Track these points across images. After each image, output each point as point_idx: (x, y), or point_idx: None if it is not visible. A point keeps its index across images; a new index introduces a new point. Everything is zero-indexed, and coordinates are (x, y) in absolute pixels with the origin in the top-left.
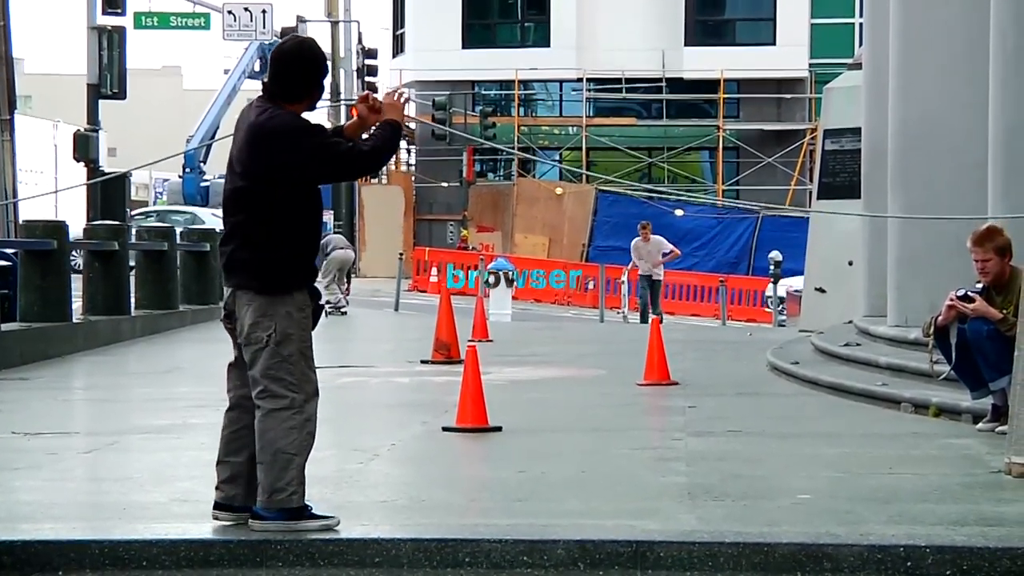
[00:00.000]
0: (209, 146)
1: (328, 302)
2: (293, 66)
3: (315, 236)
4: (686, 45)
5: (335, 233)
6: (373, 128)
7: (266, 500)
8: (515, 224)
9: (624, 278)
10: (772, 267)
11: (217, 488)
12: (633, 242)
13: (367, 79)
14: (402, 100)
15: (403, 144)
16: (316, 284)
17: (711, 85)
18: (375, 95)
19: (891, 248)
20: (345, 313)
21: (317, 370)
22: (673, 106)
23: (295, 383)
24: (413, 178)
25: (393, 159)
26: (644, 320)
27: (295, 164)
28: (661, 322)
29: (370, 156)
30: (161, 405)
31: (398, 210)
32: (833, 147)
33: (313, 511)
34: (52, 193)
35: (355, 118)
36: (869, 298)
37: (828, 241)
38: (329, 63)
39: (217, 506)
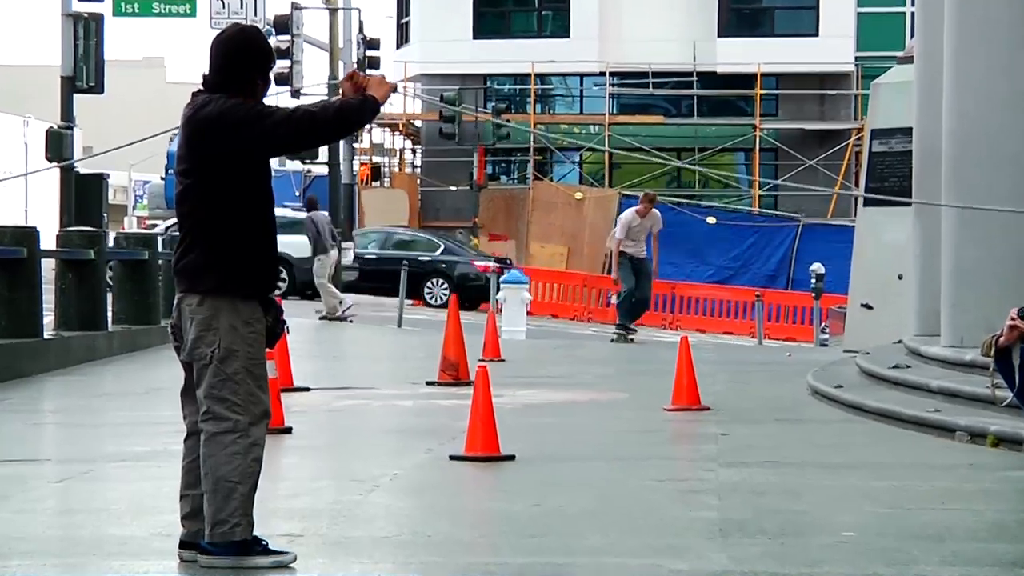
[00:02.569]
0: None
1: (329, 314)
2: (235, 56)
3: (266, 237)
4: (719, 36)
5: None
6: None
7: (210, 532)
8: (530, 232)
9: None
10: (813, 281)
11: (181, 523)
12: (625, 215)
13: (369, 72)
14: (390, 86)
15: (407, 144)
16: (321, 286)
17: (747, 80)
18: (362, 73)
19: (945, 260)
20: (351, 319)
21: (313, 391)
22: (705, 103)
23: (240, 404)
24: (419, 181)
25: (397, 160)
26: (631, 315)
27: (241, 146)
28: (644, 307)
29: (318, 118)
30: (140, 430)
31: (402, 216)
32: (881, 149)
33: (268, 546)
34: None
35: (341, 95)
36: (920, 315)
37: (875, 252)
38: (327, 54)
39: (181, 544)
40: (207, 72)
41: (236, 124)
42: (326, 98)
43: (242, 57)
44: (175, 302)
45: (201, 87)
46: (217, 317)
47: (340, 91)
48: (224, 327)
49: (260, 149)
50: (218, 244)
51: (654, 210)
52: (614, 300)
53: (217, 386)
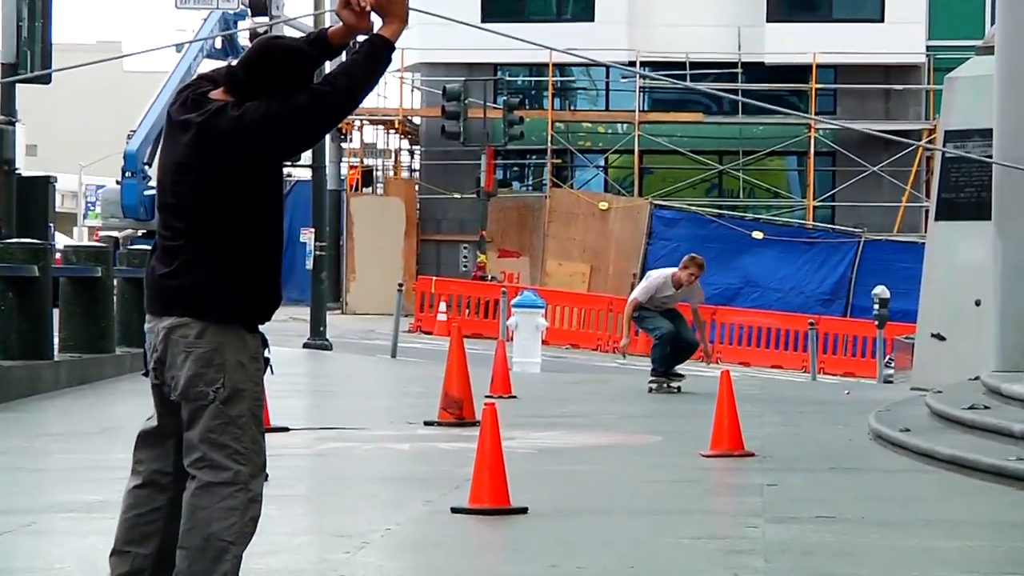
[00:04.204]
0: (157, 144)
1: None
2: (287, 65)
3: (279, 256)
4: (768, 21)
5: None
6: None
7: None
8: (547, 248)
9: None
10: (876, 306)
11: None
12: (655, 277)
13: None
14: (404, 4)
15: (404, 144)
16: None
17: (800, 72)
18: None
19: None
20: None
21: (293, 432)
22: (751, 98)
23: (243, 452)
24: (417, 187)
25: (392, 162)
26: (673, 359)
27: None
28: (691, 344)
29: (335, 97)
30: (91, 475)
31: (397, 228)
32: (956, 154)
33: None
34: None
35: (342, 25)
36: (1002, 348)
37: (949, 274)
38: None
39: None
40: (233, 64)
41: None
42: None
43: (291, 69)
44: (158, 330)
45: (211, 84)
46: (222, 351)
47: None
48: (231, 363)
49: (286, 148)
50: (230, 263)
51: (697, 283)
52: (622, 359)
53: (217, 430)
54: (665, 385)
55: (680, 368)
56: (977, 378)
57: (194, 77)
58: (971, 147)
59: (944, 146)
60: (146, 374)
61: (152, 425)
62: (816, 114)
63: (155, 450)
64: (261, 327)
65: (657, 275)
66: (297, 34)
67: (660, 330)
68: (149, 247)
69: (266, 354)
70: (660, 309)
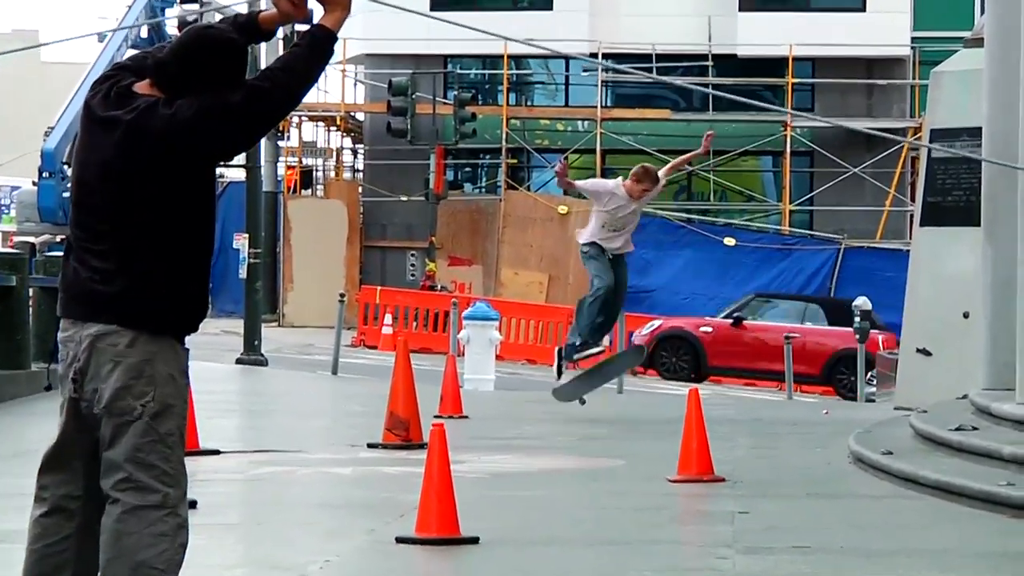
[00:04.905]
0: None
1: None
2: (222, 58)
3: (210, 258)
4: (741, 10)
5: None
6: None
7: None
8: (501, 255)
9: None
10: (857, 319)
11: None
12: (605, 184)
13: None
14: None
15: (347, 142)
16: None
17: (775, 66)
18: None
19: (1023, 296)
20: None
21: (224, 455)
22: (722, 94)
23: (171, 474)
24: (360, 189)
25: (333, 162)
26: (596, 329)
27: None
28: (621, 300)
29: (274, 94)
30: (6, 503)
31: (339, 233)
32: (943, 153)
33: None
34: None
35: (276, 11)
36: (992, 365)
37: (935, 284)
38: None
39: None
40: (160, 57)
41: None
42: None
43: (225, 63)
44: (80, 338)
45: (132, 76)
46: (152, 363)
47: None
48: (162, 375)
49: (224, 147)
50: (162, 268)
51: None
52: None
53: (145, 448)
54: (573, 356)
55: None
56: (965, 396)
57: (112, 66)
58: (959, 147)
59: (930, 146)
60: (48, 388)
61: (57, 446)
62: (793, 111)
63: (61, 474)
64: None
65: (602, 188)
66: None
67: (602, 280)
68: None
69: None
70: (615, 229)
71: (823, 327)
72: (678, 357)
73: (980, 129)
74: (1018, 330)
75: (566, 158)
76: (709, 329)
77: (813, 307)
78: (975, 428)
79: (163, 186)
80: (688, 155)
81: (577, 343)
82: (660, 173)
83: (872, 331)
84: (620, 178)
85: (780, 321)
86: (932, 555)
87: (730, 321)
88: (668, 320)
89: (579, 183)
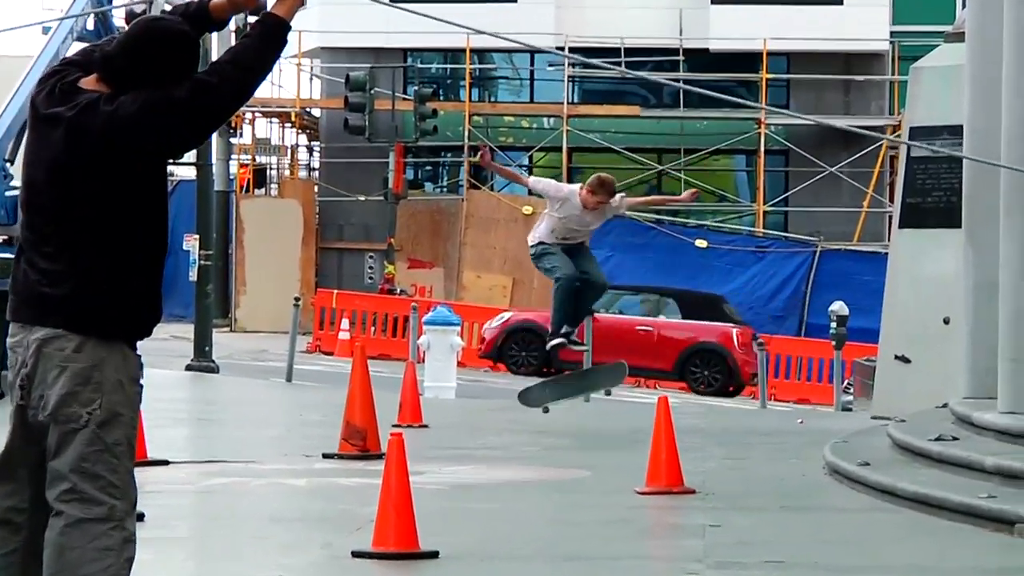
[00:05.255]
0: (21, 138)
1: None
2: (172, 51)
3: (163, 260)
4: (713, 3)
5: None
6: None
7: None
8: (463, 257)
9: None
10: (834, 325)
11: None
12: (560, 188)
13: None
14: None
15: (302, 139)
16: None
17: (749, 61)
18: None
19: (1005, 301)
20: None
21: (174, 465)
22: (694, 89)
23: (118, 486)
24: (316, 188)
25: (288, 161)
26: (575, 312)
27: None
28: (599, 286)
29: (223, 88)
30: None
31: (293, 235)
32: (923, 153)
33: None
34: None
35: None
36: (973, 372)
37: (915, 289)
38: None
39: None
40: (108, 51)
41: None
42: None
43: (178, 56)
44: (27, 343)
45: (78, 71)
46: (101, 368)
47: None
48: (110, 382)
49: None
50: (112, 271)
51: (615, 201)
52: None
53: (91, 458)
54: (557, 354)
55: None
56: (945, 405)
57: (60, 61)
58: (940, 145)
59: (910, 145)
60: (0, 396)
61: (4, 456)
62: (767, 107)
63: (7, 485)
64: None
65: (568, 187)
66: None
67: (560, 270)
68: (12, 255)
69: (140, 380)
70: (566, 238)
71: (676, 320)
72: (528, 351)
73: (961, 127)
74: (1000, 336)
75: (490, 149)
76: None
77: (668, 300)
78: (955, 438)
79: (106, 183)
80: (669, 199)
81: (559, 332)
82: (628, 201)
83: (727, 324)
84: (579, 184)
85: (634, 314)
86: (910, 571)
87: None
88: (519, 312)
89: (533, 180)
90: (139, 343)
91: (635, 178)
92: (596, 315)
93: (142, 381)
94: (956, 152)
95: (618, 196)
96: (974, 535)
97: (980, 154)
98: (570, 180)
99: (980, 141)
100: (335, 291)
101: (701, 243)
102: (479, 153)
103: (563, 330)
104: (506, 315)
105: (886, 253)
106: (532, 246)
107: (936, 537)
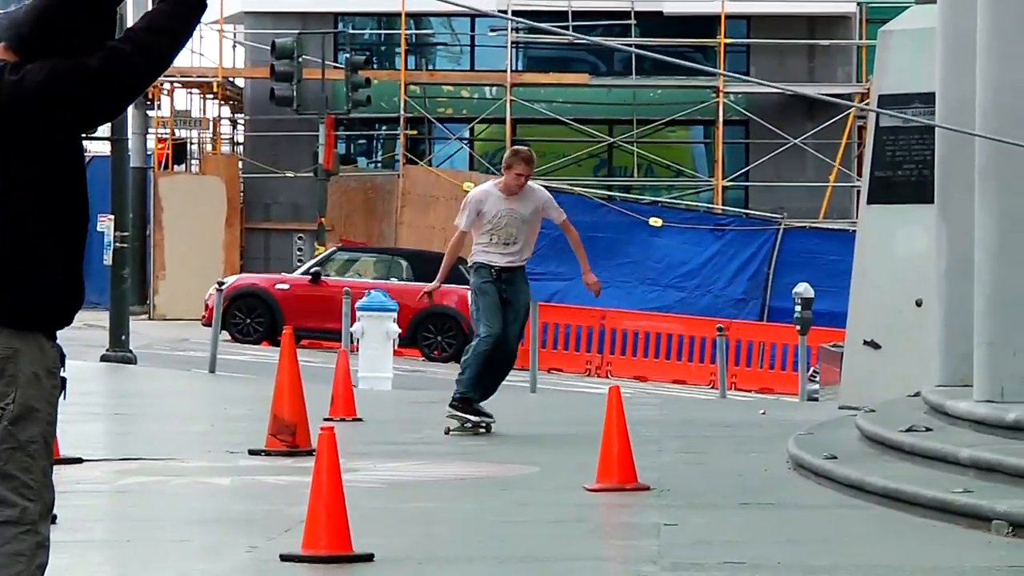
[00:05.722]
0: None
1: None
2: (86, 17)
3: (83, 241)
4: None
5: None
6: None
7: None
8: (400, 238)
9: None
10: (798, 308)
11: None
12: (484, 188)
13: None
14: None
15: (225, 111)
16: None
17: (706, 25)
18: None
19: (981, 281)
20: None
21: (88, 463)
22: (647, 54)
23: (31, 486)
24: (241, 164)
25: (211, 134)
26: (483, 383)
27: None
28: (512, 354)
29: (137, 57)
30: None
31: (216, 214)
32: (893, 122)
33: None
34: None
35: None
36: (947, 359)
37: (885, 269)
38: None
39: None
40: (16, 15)
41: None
42: None
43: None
44: None
45: (7, 41)
46: (15, 360)
47: None
48: (24, 375)
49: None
50: (27, 254)
51: (533, 186)
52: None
53: (3, 457)
54: (469, 424)
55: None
56: (918, 394)
57: None
58: (911, 114)
59: (879, 115)
60: None
61: None
62: (726, 75)
63: None
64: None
65: (475, 190)
66: None
67: (488, 328)
68: None
69: (62, 372)
70: (499, 271)
71: (409, 283)
72: (252, 318)
73: (933, 95)
74: (976, 319)
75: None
76: (286, 286)
77: (399, 261)
78: (928, 429)
79: (15, 158)
80: (582, 255)
81: (457, 396)
82: (563, 218)
83: (463, 287)
84: (491, 182)
85: (367, 277)
86: (879, 571)
87: (308, 278)
88: (243, 277)
89: (457, 222)
90: (58, 332)
91: (584, 151)
92: (324, 279)
93: (64, 374)
94: (928, 121)
95: (547, 195)
96: (948, 532)
97: (954, 123)
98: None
99: (953, 110)
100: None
101: (656, 221)
102: (420, 296)
103: (471, 398)
104: (230, 279)
105: (854, 231)
106: (470, 267)
107: (908, 535)
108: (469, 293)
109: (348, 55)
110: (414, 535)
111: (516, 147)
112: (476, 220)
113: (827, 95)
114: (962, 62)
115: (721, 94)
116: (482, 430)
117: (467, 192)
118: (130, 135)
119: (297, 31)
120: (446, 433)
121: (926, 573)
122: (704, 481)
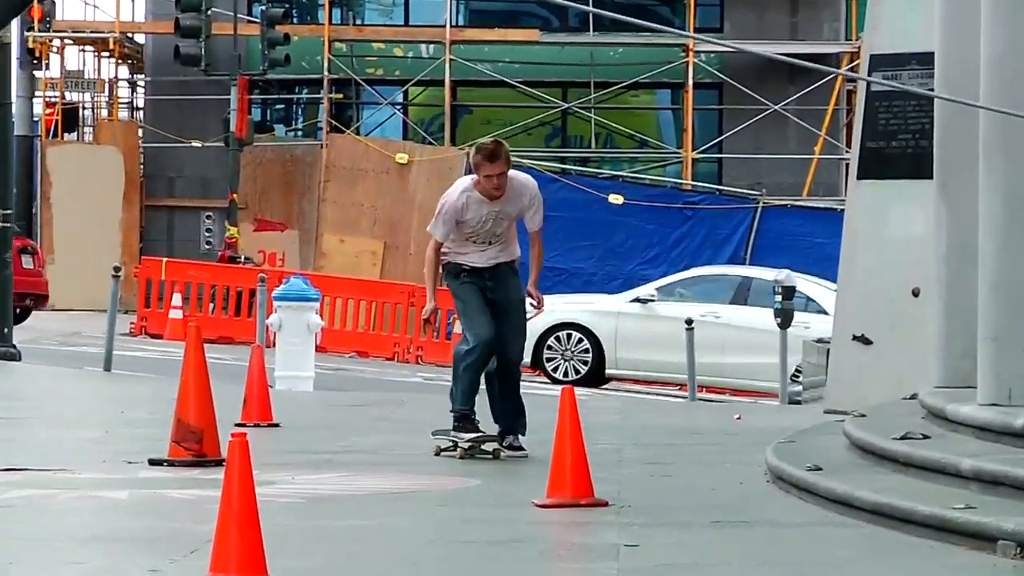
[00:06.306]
0: None
1: None
2: None
3: None
4: None
5: None
6: None
7: None
8: (323, 217)
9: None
10: (779, 298)
11: None
12: (450, 193)
13: None
14: None
15: (123, 72)
16: None
17: None
18: None
19: (986, 267)
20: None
21: None
22: (605, 14)
23: None
24: (141, 132)
25: (107, 98)
26: (471, 393)
27: None
28: (512, 364)
29: None
30: None
31: (113, 189)
32: (885, 88)
33: None
34: None
35: None
36: (947, 355)
37: (876, 254)
38: None
39: None
40: None
41: None
42: None
43: None
44: None
45: None
46: None
47: None
48: None
49: None
50: None
51: (520, 176)
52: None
53: None
54: (462, 447)
55: None
56: (914, 396)
57: None
58: (906, 78)
59: (870, 75)
60: None
61: None
62: (696, 31)
63: None
64: None
65: (450, 192)
66: None
67: (476, 332)
68: None
69: None
70: (480, 272)
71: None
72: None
73: (932, 55)
74: (980, 310)
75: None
76: None
77: None
78: (926, 436)
79: None
80: (536, 266)
81: (453, 413)
82: (539, 221)
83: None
84: (469, 178)
85: None
86: None
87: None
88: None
89: (432, 229)
90: None
91: (535, 118)
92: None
93: None
94: (925, 91)
95: (536, 193)
96: (948, 554)
97: (956, 88)
98: (454, 119)
99: (955, 73)
100: (164, 259)
101: (616, 199)
102: (425, 315)
103: (468, 414)
104: None
105: (842, 210)
106: (444, 269)
107: (902, 556)
108: (429, 294)
109: (264, 7)
110: (338, 556)
111: (479, 142)
112: (456, 227)
113: (811, 56)
114: (966, 18)
115: (691, 53)
116: (486, 449)
117: (400, 164)
118: (14, 99)
119: None
120: (436, 455)
121: None
122: (670, 496)
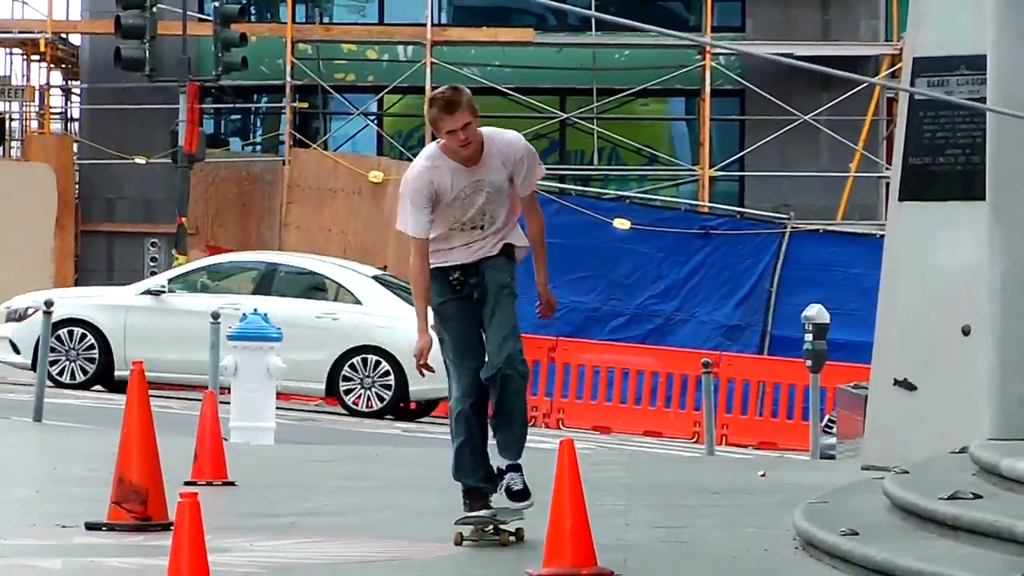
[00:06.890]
0: None
1: None
2: None
3: None
4: None
5: None
6: None
7: None
8: (286, 242)
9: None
10: (809, 337)
11: None
12: (425, 160)
13: None
14: None
15: (56, 78)
16: None
17: None
18: None
19: None
20: None
21: None
22: (611, 8)
23: None
24: (77, 148)
25: (37, 108)
26: (478, 474)
27: None
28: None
29: None
30: None
31: (44, 212)
32: (930, 97)
33: None
34: None
35: None
36: (1002, 403)
37: (921, 286)
38: None
39: None
40: None
41: None
42: None
43: None
44: None
45: None
46: None
47: None
48: None
49: None
50: None
51: (503, 133)
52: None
53: None
54: (479, 528)
55: None
56: (964, 450)
57: None
58: (955, 85)
59: (914, 83)
60: None
61: None
62: (714, 32)
63: None
64: None
65: (413, 165)
66: None
67: (461, 383)
68: None
69: None
70: (460, 270)
71: None
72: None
73: (984, 58)
74: None
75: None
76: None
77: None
78: (977, 496)
79: None
80: (541, 261)
81: (466, 484)
82: (541, 173)
83: None
84: (434, 143)
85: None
86: None
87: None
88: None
89: (402, 226)
90: None
91: (529, 129)
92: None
93: None
94: (975, 104)
95: (518, 141)
96: None
97: (1011, 97)
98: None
99: (1009, 80)
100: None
101: (622, 223)
102: (417, 351)
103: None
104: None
105: (881, 236)
106: (432, 276)
107: None
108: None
109: (217, 3)
110: None
111: (433, 93)
112: (436, 214)
113: (846, 60)
114: (1021, 17)
115: (708, 56)
116: (508, 532)
117: (374, 183)
118: None
119: None
120: (457, 544)
121: None
122: (684, 565)
